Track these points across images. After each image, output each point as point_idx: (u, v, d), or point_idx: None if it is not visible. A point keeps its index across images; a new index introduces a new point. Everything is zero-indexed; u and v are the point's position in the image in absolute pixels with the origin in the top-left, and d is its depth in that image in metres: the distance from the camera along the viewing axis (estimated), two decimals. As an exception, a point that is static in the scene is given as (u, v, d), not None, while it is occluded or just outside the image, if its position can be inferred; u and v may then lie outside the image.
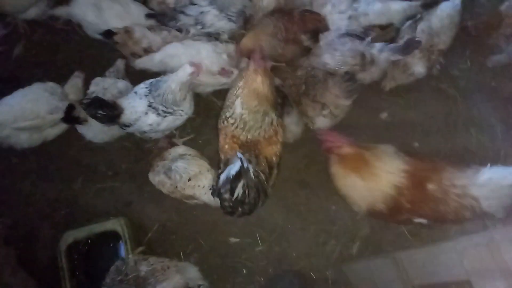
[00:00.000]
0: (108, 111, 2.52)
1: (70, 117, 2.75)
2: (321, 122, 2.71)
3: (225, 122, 2.41)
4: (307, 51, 2.84)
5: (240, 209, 2.30)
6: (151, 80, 2.66)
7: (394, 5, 2.82)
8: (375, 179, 2.12)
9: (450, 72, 3.08)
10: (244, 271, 2.82)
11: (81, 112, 2.75)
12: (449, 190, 2.05)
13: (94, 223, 2.77)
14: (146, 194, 3.00)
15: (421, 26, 2.70)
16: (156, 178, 2.62)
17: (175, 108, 2.59)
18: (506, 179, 1.95)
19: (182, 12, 2.94)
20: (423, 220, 2.17)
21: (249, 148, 2.33)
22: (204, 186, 2.55)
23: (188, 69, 2.45)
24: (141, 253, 2.36)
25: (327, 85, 2.59)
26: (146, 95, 2.58)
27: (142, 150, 3.10)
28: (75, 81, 3.03)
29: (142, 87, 2.63)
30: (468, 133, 2.99)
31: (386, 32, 2.88)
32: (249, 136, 2.35)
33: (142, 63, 2.84)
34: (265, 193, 2.33)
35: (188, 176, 2.55)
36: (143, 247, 2.53)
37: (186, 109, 2.64)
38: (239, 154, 2.20)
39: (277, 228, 2.89)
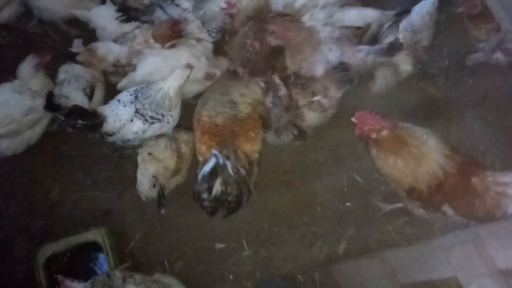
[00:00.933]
0: (89, 120, 2.44)
1: (51, 105, 2.65)
2: (311, 118, 2.71)
3: (197, 115, 2.46)
4: (279, 51, 2.83)
5: (222, 207, 2.28)
6: (135, 87, 2.60)
7: (369, 12, 2.93)
8: (420, 159, 2.15)
9: (429, 71, 3.13)
10: (231, 277, 2.76)
11: (60, 99, 2.69)
12: (490, 187, 2.10)
13: (73, 235, 2.67)
14: (127, 202, 2.91)
15: (403, 24, 2.76)
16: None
17: (164, 114, 2.53)
18: None
19: (161, 7, 2.92)
20: (450, 210, 2.21)
21: (226, 144, 2.31)
22: (147, 169, 2.51)
23: (185, 73, 2.43)
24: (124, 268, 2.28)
25: (315, 78, 2.62)
26: (132, 102, 2.51)
27: (121, 157, 3.01)
28: (24, 66, 2.79)
29: (125, 95, 2.57)
30: (448, 131, 3.03)
31: (363, 31, 2.93)
32: (220, 118, 2.36)
33: (124, 86, 2.76)
34: (248, 188, 2.29)
35: (151, 151, 2.55)
36: (128, 264, 2.45)
37: (174, 116, 2.59)
38: (214, 151, 2.19)
39: (263, 232, 2.85)
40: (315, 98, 2.63)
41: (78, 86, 2.76)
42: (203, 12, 2.82)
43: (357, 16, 2.92)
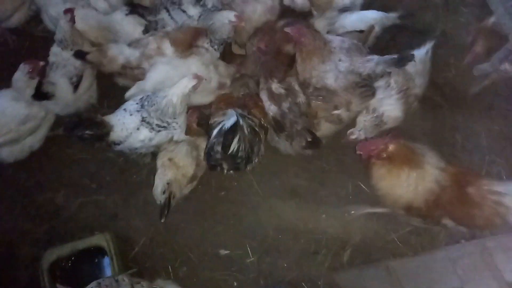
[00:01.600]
0: (96, 129, 2.44)
1: (40, 93, 2.66)
2: (326, 128, 2.74)
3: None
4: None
5: (230, 163, 2.49)
6: (140, 96, 2.61)
7: (370, 14, 2.92)
8: (422, 172, 2.20)
9: (436, 80, 3.11)
10: (235, 284, 2.74)
11: (48, 87, 2.70)
12: (487, 196, 2.13)
13: (78, 239, 2.64)
14: (132, 206, 2.91)
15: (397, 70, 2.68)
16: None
17: (170, 121, 2.54)
18: None
19: (167, 11, 2.92)
20: (450, 222, 2.23)
21: (239, 106, 2.56)
22: (166, 175, 2.52)
23: (191, 82, 2.45)
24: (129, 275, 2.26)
25: (336, 92, 2.65)
26: (138, 111, 2.52)
27: (127, 161, 3.01)
28: (18, 75, 2.66)
29: (131, 104, 2.58)
30: (454, 140, 3.04)
31: (366, 34, 2.92)
32: (235, 93, 2.72)
33: (132, 95, 2.74)
34: (259, 148, 2.54)
35: (172, 157, 2.57)
36: (134, 270, 2.43)
37: (180, 123, 2.60)
38: (234, 111, 2.39)
39: (267, 239, 2.84)
40: (336, 112, 2.65)
41: (64, 73, 2.75)
42: (212, 23, 2.81)
43: (358, 19, 2.91)
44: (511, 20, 2.44)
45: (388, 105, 2.65)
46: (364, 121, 2.67)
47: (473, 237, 2.37)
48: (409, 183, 2.20)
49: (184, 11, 2.94)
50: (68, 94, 2.80)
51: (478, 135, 3.03)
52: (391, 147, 2.20)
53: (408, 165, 2.20)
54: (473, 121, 3.08)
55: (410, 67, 2.69)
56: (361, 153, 2.29)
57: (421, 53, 2.74)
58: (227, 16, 2.79)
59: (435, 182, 2.17)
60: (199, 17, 2.89)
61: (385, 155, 2.22)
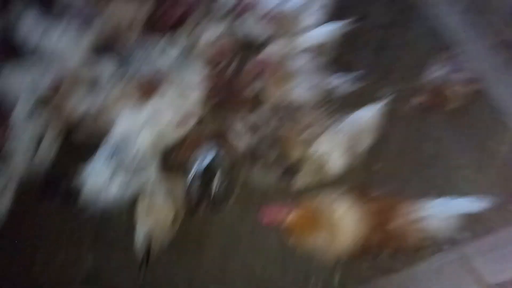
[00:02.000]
0: (66, 191, 2.48)
1: None
2: (298, 151, 2.71)
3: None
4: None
5: (213, 202, 2.46)
6: (109, 146, 2.60)
7: (324, 27, 3.00)
8: (336, 230, 2.20)
9: (402, 90, 3.17)
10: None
11: (7, 148, 2.63)
12: (407, 225, 2.18)
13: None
14: (114, 262, 2.81)
15: (347, 121, 2.72)
16: None
17: (144, 167, 2.54)
18: (455, 209, 2.12)
19: (136, 60, 2.93)
20: (386, 255, 2.31)
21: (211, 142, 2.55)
22: (145, 222, 2.51)
23: (156, 125, 2.56)
24: None
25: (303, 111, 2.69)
26: (108, 161, 2.53)
27: (104, 216, 2.88)
28: None
29: (101, 157, 2.58)
30: (422, 148, 3.12)
31: (324, 46, 2.99)
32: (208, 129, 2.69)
33: (100, 148, 2.72)
34: (236, 179, 2.54)
35: (151, 203, 2.54)
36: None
37: (154, 168, 2.61)
38: (210, 146, 2.37)
39: (254, 279, 2.78)
40: (306, 132, 2.67)
41: (26, 130, 2.70)
42: (181, 72, 2.87)
43: (312, 36, 2.97)
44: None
45: (332, 152, 2.59)
46: (309, 168, 2.61)
47: (453, 243, 2.40)
48: (327, 242, 2.24)
49: (153, 60, 2.96)
50: (29, 153, 2.74)
51: (441, 142, 3.13)
52: (289, 219, 2.21)
53: (319, 227, 2.22)
54: (439, 128, 3.18)
55: (358, 121, 2.72)
56: (264, 220, 2.28)
57: (372, 109, 2.78)
58: (194, 69, 2.86)
59: (355, 234, 2.20)
60: (170, 65, 2.93)
61: (287, 224, 2.23)
